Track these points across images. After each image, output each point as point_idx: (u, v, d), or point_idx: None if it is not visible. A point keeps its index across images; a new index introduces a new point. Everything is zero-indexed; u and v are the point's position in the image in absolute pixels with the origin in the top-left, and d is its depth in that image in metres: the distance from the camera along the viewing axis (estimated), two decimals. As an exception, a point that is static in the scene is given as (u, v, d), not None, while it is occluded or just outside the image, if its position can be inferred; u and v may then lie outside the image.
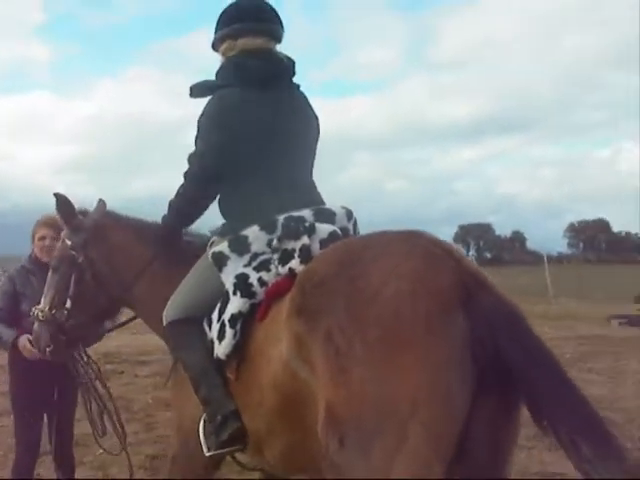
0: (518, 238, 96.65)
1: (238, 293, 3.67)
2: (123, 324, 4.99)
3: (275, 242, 3.72)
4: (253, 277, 3.68)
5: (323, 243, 3.64)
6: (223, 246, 3.84)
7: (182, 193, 4.15)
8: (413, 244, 3.05)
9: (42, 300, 4.62)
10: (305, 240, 3.64)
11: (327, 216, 3.86)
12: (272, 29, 4.11)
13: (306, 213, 3.81)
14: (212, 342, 3.76)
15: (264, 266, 3.71)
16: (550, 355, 2.79)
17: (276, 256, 3.69)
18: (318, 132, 4.22)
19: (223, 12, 4.12)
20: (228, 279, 3.76)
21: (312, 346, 3.01)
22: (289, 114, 4.02)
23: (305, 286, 3.20)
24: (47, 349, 4.60)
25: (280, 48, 4.18)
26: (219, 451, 3.75)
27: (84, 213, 4.74)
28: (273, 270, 3.67)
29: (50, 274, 4.66)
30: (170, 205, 4.22)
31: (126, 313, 4.89)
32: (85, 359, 4.97)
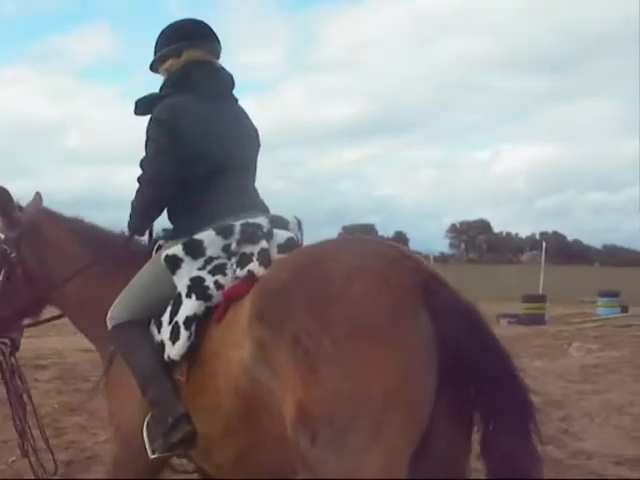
0: (401, 238, 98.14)
1: (193, 295, 3.71)
2: (46, 321, 4.90)
3: (234, 245, 3.78)
4: (209, 280, 3.73)
5: (280, 248, 3.76)
6: (177, 249, 3.87)
7: (142, 196, 4.16)
8: (371, 248, 3.24)
9: None
10: (264, 244, 3.74)
11: (281, 223, 3.98)
12: (212, 45, 4.27)
13: (262, 220, 3.90)
14: (162, 344, 3.79)
15: (220, 270, 3.76)
16: (502, 349, 3.00)
17: (234, 259, 3.75)
18: (259, 143, 4.37)
19: (162, 33, 4.27)
20: (181, 282, 3.80)
21: (276, 351, 3.09)
22: (233, 122, 4.16)
23: (266, 291, 3.28)
24: None
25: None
26: (166, 454, 3.77)
27: (19, 208, 4.66)
28: (229, 274, 3.73)
29: None
30: (133, 207, 4.22)
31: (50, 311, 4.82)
32: (10, 365, 4.78)
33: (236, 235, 3.82)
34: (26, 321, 4.85)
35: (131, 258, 4.26)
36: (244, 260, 3.71)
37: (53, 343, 16.12)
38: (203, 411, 3.64)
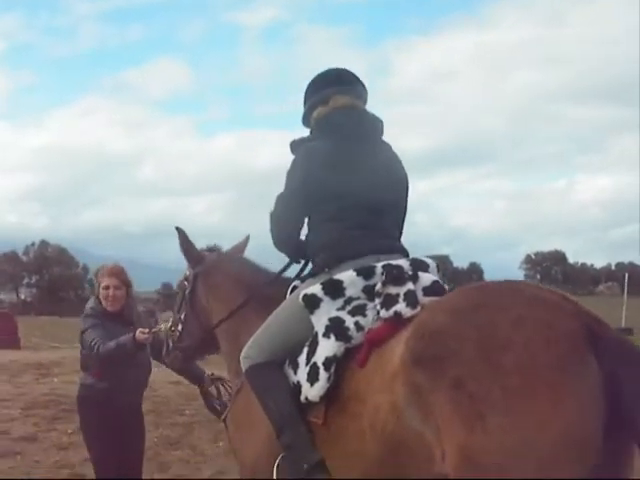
0: (475, 270, 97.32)
1: (332, 336, 3.69)
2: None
3: (379, 286, 3.71)
4: (349, 321, 3.70)
5: (426, 291, 3.68)
6: (316, 288, 3.87)
7: (271, 233, 4.34)
8: (531, 292, 3.17)
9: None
10: (410, 286, 3.66)
11: (422, 267, 3.92)
12: (358, 90, 4.33)
13: (402, 262, 3.89)
14: (299, 385, 3.78)
15: (360, 311, 3.73)
16: None
17: (378, 300, 3.68)
18: (406, 187, 4.33)
19: (310, 85, 4.37)
20: (319, 321, 3.79)
21: (431, 394, 3.03)
22: (374, 164, 4.12)
23: (423, 334, 3.20)
24: (164, 358, 5.17)
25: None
26: None
27: (213, 249, 5.25)
28: (370, 315, 3.69)
29: (175, 295, 5.21)
30: (279, 248, 4.39)
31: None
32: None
33: (377, 276, 3.79)
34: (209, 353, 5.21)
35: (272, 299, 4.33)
36: (389, 301, 3.63)
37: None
38: (342, 454, 3.59)
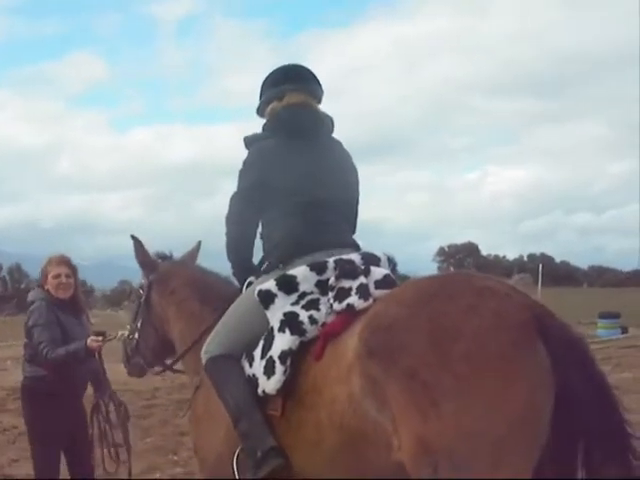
0: (389, 262, 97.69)
1: (287, 330, 3.82)
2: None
3: (332, 280, 3.85)
4: (303, 315, 3.84)
5: (378, 284, 3.83)
6: (270, 284, 4.00)
7: (227, 235, 4.39)
8: (481, 283, 3.34)
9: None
10: (362, 279, 3.81)
11: (373, 260, 4.09)
12: (313, 88, 4.49)
13: (354, 256, 4.05)
14: (254, 378, 3.92)
15: (313, 305, 3.89)
16: (605, 381, 3.23)
17: (331, 294, 3.82)
18: (357, 181, 4.54)
19: (267, 78, 4.49)
20: (274, 316, 3.92)
21: (386, 384, 3.19)
22: (326, 162, 4.29)
23: (376, 327, 3.35)
24: (125, 367, 5.30)
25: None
26: None
27: (165, 257, 5.26)
28: (323, 309, 3.85)
29: (131, 303, 5.37)
30: (226, 246, 4.41)
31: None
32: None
33: (330, 271, 3.93)
34: (167, 359, 5.25)
35: (223, 304, 4.47)
36: (342, 294, 3.76)
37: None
38: (302, 445, 3.71)
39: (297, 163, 4.18)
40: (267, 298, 3.98)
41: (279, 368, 3.77)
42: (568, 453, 3.17)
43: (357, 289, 3.76)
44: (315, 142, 4.30)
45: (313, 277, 3.96)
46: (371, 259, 4.08)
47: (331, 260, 3.99)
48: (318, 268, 3.97)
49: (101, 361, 5.65)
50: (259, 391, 3.89)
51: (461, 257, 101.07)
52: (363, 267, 3.92)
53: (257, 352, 3.95)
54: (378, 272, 3.93)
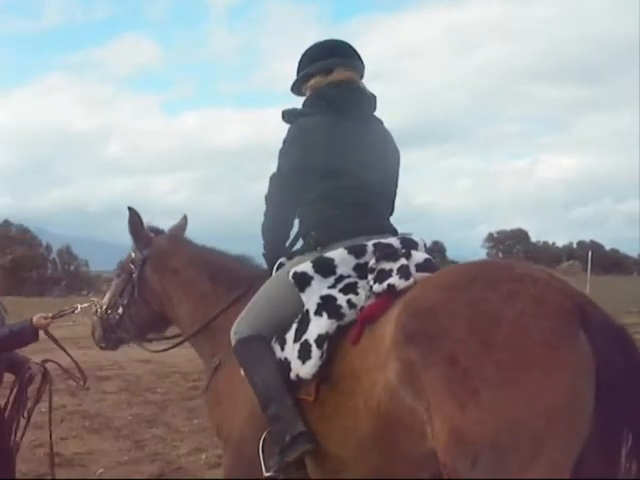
0: (438, 248, 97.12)
1: (324, 314, 3.70)
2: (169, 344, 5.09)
3: (372, 262, 3.74)
4: (341, 299, 3.73)
5: (419, 267, 3.72)
6: (306, 266, 3.89)
7: (267, 215, 4.28)
8: (521, 270, 3.25)
9: (105, 296, 5.08)
10: (403, 261, 3.70)
11: (412, 245, 3.96)
12: (359, 65, 4.31)
13: (393, 240, 3.93)
14: (287, 362, 3.80)
15: (351, 289, 3.77)
16: None
17: (371, 277, 3.71)
18: (398, 163, 4.36)
19: (307, 53, 4.30)
20: (310, 299, 3.81)
21: (424, 370, 3.09)
22: (369, 143, 4.14)
23: (415, 311, 3.25)
24: (99, 342, 5.05)
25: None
26: (280, 473, 3.77)
27: (157, 231, 5.01)
28: (362, 293, 3.72)
29: (115, 277, 5.07)
30: (263, 226, 4.32)
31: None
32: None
33: (369, 254, 3.83)
34: (150, 335, 5.11)
35: (241, 284, 4.47)
36: (383, 275, 3.66)
37: (112, 355, 16.26)
38: (337, 431, 3.63)
39: (340, 144, 4.04)
40: (303, 280, 3.87)
41: (315, 352, 3.66)
42: (613, 442, 3.08)
43: (398, 270, 3.64)
44: (359, 122, 4.16)
45: (351, 260, 3.86)
46: (410, 243, 3.97)
47: (370, 243, 3.88)
48: (356, 251, 3.87)
49: (53, 339, 5.28)
50: (292, 375, 3.78)
51: (510, 243, 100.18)
52: (404, 250, 3.82)
53: (290, 335, 3.84)
54: (419, 256, 3.84)
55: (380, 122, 4.33)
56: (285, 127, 4.20)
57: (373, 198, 4.13)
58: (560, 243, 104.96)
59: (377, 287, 3.64)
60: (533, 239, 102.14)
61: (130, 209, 4.85)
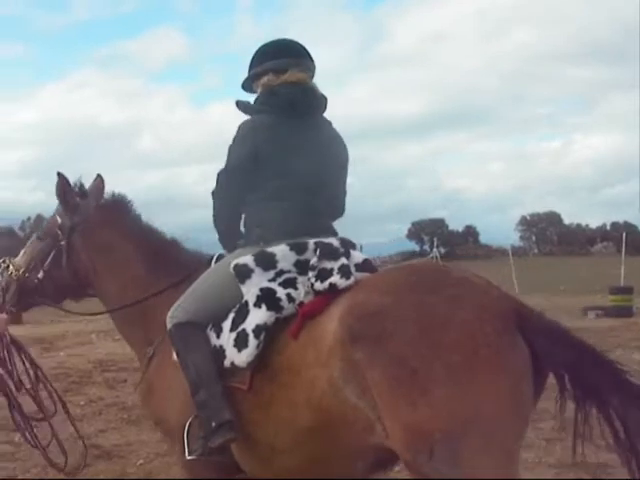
0: (471, 232, 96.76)
1: (263, 306, 3.85)
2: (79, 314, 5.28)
3: (314, 260, 3.91)
4: (280, 292, 3.88)
5: (358, 267, 3.97)
6: (247, 259, 4.03)
7: (214, 210, 4.39)
8: (457, 275, 3.55)
9: (20, 257, 4.87)
10: (344, 261, 3.90)
11: (350, 245, 4.17)
12: (311, 65, 4.43)
13: (333, 240, 4.09)
14: (221, 349, 3.93)
15: (291, 284, 3.93)
16: (593, 348, 3.38)
17: (312, 274, 3.87)
18: (346, 163, 4.47)
19: (260, 51, 4.40)
20: (250, 291, 3.95)
21: (372, 371, 3.29)
22: (317, 144, 4.24)
23: (361, 314, 3.42)
24: (10, 304, 4.79)
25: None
26: (201, 457, 3.92)
27: (83, 195, 4.87)
28: (301, 289, 3.89)
29: (34, 239, 4.89)
30: (213, 220, 4.43)
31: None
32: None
33: (309, 252, 3.99)
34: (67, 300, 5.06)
35: (179, 270, 4.53)
36: (324, 274, 3.82)
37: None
38: (270, 421, 3.77)
39: (289, 144, 4.15)
40: (243, 272, 4.00)
41: (252, 342, 3.79)
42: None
43: (339, 269, 3.83)
44: (309, 123, 4.26)
45: (292, 256, 4.01)
46: (348, 244, 4.14)
47: (311, 242, 4.03)
48: (298, 248, 4.02)
49: (17, 343, 5.02)
50: (226, 362, 3.90)
51: (543, 226, 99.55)
52: (343, 250, 4.01)
53: (226, 324, 3.97)
54: (357, 256, 4.07)
55: (329, 123, 4.44)
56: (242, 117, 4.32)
57: (317, 199, 4.22)
58: (593, 225, 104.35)
59: (318, 285, 3.81)
60: (566, 221, 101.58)
61: (59, 174, 4.76)
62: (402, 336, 3.25)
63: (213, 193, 4.35)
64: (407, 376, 3.19)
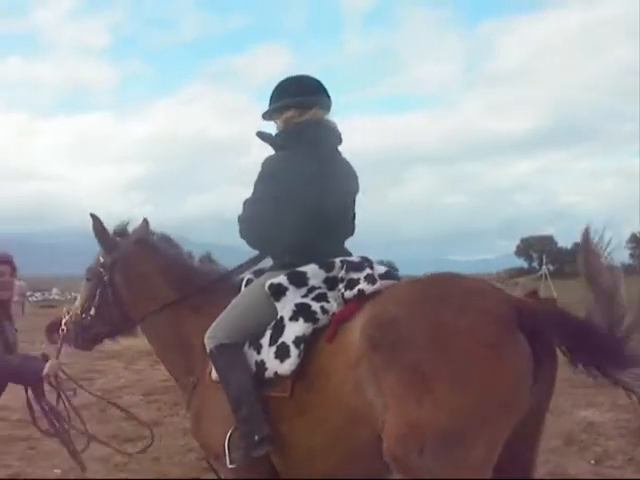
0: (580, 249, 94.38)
1: (300, 319, 4.20)
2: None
3: (342, 273, 4.33)
4: (315, 306, 4.24)
5: (381, 277, 4.34)
6: (281, 279, 4.37)
7: (241, 234, 4.67)
8: (465, 284, 3.93)
9: (77, 302, 5.28)
10: (369, 271, 4.31)
11: (370, 262, 4.50)
12: (328, 103, 4.74)
13: (355, 258, 4.50)
14: (262, 363, 4.25)
15: (322, 298, 4.29)
16: (590, 322, 3.69)
17: (341, 285, 4.28)
18: (357, 188, 4.80)
19: (282, 85, 4.72)
20: (285, 308, 4.29)
21: (385, 373, 3.70)
22: (335, 177, 4.57)
23: (379, 322, 3.84)
24: (74, 344, 5.24)
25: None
26: (242, 466, 4.26)
27: (122, 234, 5.25)
28: (332, 302, 4.26)
29: (85, 282, 5.23)
30: (249, 243, 4.71)
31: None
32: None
33: (336, 269, 4.38)
34: (122, 335, 5.41)
35: (212, 297, 4.81)
36: (352, 283, 4.23)
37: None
38: (308, 424, 4.12)
39: (312, 180, 4.43)
40: (278, 291, 4.33)
41: (294, 351, 4.12)
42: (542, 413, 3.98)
43: (365, 277, 4.22)
44: (330, 160, 4.59)
45: (322, 274, 4.37)
46: (369, 260, 4.50)
47: (337, 260, 4.42)
48: (326, 266, 4.39)
49: (59, 390, 5.38)
50: (268, 374, 4.20)
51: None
52: (366, 264, 4.40)
53: (265, 340, 4.27)
54: (380, 268, 4.48)
55: (343, 156, 4.75)
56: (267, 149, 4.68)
57: (337, 226, 4.65)
58: None
59: (348, 293, 4.22)
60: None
61: (92, 216, 5.13)
62: (414, 344, 3.66)
63: (240, 219, 4.65)
64: (418, 380, 3.59)
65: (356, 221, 4.87)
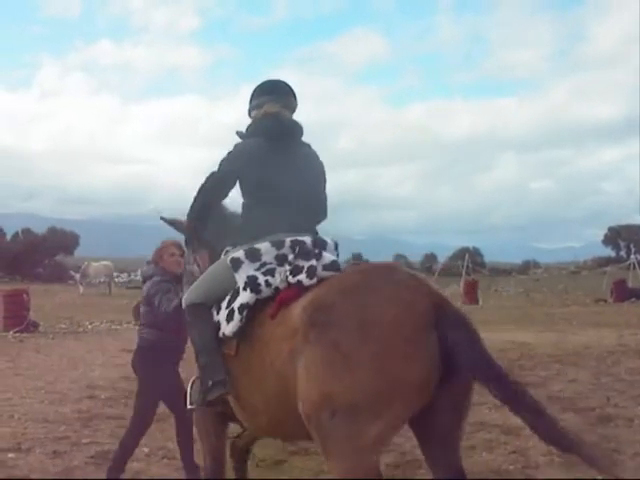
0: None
1: (248, 289, 4.97)
2: None
3: (291, 257, 5.03)
4: (261, 279, 5.00)
5: (326, 267, 4.94)
6: (240, 253, 5.16)
7: (195, 200, 5.52)
8: (397, 276, 4.46)
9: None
10: (313, 262, 4.94)
11: (322, 244, 5.21)
12: (287, 100, 5.62)
13: (307, 239, 5.17)
14: (219, 323, 5.07)
15: (270, 272, 5.02)
16: (480, 345, 4.16)
17: (288, 267, 4.95)
18: (323, 175, 5.64)
19: (255, 89, 5.63)
20: (241, 278, 5.06)
21: (315, 347, 4.22)
22: (293, 161, 5.37)
23: (319, 305, 4.38)
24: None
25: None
26: (200, 407, 5.20)
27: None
28: (277, 277, 4.96)
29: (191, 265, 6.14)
30: (191, 207, 5.59)
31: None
32: None
33: (286, 248, 5.09)
34: None
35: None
36: (296, 271, 4.90)
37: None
38: (251, 384, 4.80)
39: (270, 162, 5.26)
40: (237, 264, 5.11)
41: (237, 317, 4.91)
42: (460, 407, 4.39)
43: (307, 269, 4.87)
44: (286, 144, 5.39)
45: (273, 251, 5.09)
46: (320, 243, 5.19)
47: (288, 239, 5.10)
48: (277, 245, 5.10)
49: None
50: (220, 333, 5.03)
51: None
52: (317, 251, 5.05)
53: (224, 304, 5.10)
54: (327, 258, 5.04)
55: (307, 145, 5.61)
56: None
57: (294, 205, 5.26)
58: None
59: (291, 279, 4.88)
60: None
61: (164, 219, 6.26)
62: (343, 326, 4.16)
63: (199, 188, 5.47)
64: (339, 357, 4.09)
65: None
